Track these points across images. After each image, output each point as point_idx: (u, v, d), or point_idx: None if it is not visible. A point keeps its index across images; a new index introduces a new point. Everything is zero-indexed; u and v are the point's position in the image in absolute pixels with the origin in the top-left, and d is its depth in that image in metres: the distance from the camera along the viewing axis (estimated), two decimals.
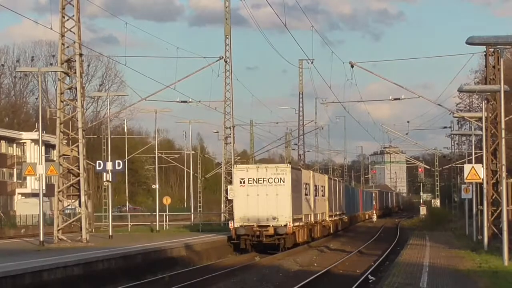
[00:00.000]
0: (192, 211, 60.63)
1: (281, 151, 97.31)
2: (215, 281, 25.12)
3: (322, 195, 48.35)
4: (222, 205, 53.79)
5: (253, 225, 35.70)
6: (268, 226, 35.86)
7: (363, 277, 25.40)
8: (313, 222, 43.44)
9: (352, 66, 32.25)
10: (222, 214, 54.28)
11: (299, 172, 40.74)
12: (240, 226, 35.85)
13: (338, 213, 55.72)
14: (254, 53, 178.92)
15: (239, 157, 72.16)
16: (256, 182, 36.44)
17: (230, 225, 37.22)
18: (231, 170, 42.97)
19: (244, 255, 36.04)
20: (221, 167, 59.62)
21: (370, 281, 24.89)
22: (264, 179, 36.54)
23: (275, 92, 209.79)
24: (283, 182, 36.42)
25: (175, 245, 32.89)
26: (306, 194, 41.77)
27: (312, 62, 53.83)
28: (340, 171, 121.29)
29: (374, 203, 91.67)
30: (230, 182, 44.91)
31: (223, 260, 33.17)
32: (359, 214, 77.87)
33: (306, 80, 75.88)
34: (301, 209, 39.22)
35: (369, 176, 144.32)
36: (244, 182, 36.62)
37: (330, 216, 50.56)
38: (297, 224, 37.53)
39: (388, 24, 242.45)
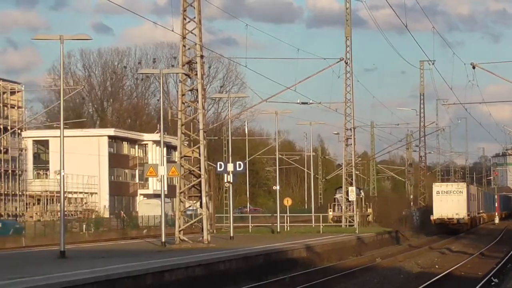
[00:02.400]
0: (313, 213, 59.53)
1: (402, 152, 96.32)
2: (336, 283, 24.62)
3: (474, 200, 66.80)
4: (343, 206, 52.91)
5: (444, 218, 58.80)
6: (453, 218, 58.84)
7: (485, 279, 24.24)
8: (473, 216, 65.01)
9: (473, 68, 33.62)
10: (343, 216, 53.08)
11: (468, 186, 63.57)
12: (437, 218, 58.98)
13: (481, 211, 74.81)
14: (372, 55, 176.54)
15: (359, 159, 71.77)
16: (446, 193, 59.74)
17: (431, 217, 59.49)
18: (352, 172, 52.86)
19: (364, 256, 35.66)
20: (341, 168, 58.92)
21: (493, 283, 23.82)
22: (450, 191, 59.82)
23: (394, 94, 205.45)
24: (461, 193, 59.62)
25: (296, 246, 32.49)
26: (470, 200, 62.54)
27: (433, 63, 54.83)
28: (461, 172, 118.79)
29: (496, 205, 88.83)
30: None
31: (344, 262, 32.64)
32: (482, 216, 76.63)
33: (427, 81, 74.50)
34: (469, 209, 60.69)
35: (491, 177, 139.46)
36: (439, 193, 59.99)
37: (478, 213, 71.52)
38: (468, 217, 59.91)
39: (508, 25, 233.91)
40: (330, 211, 56.19)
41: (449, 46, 53.43)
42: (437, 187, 60.93)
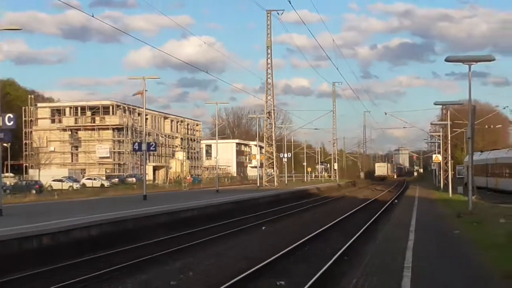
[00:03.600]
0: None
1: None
2: (329, 202, 62.09)
3: (389, 169, 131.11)
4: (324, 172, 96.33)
5: (380, 175, 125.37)
6: (382, 175, 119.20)
7: (390, 201, 60.99)
8: (389, 175, 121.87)
9: None
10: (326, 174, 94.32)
11: (388, 164, 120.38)
12: (377, 175, 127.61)
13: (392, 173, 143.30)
14: None
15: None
16: (380, 166, 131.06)
17: (374, 175, 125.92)
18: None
19: (340, 192, 74.25)
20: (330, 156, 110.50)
21: (394, 202, 60.35)
22: (381, 166, 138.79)
23: None
24: (385, 166, 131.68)
25: (313, 187, 72.40)
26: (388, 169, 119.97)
27: None
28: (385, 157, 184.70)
29: (395, 170, 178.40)
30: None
31: (331, 194, 70.78)
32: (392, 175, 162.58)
33: None
34: (387, 172, 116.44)
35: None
36: (378, 166, 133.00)
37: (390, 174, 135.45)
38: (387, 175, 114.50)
39: None
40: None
41: None
42: (378, 164, 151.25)
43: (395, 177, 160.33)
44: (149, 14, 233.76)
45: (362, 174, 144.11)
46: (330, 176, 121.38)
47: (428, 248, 18.39)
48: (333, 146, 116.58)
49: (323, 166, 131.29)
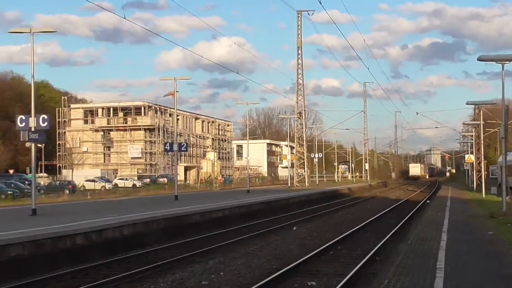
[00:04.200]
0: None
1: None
2: (360, 202, 62.14)
3: (421, 169, 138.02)
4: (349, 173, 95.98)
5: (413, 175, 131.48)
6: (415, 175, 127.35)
7: (422, 201, 60.51)
8: (422, 175, 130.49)
9: None
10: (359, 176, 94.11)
11: (420, 164, 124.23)
12: (410, 175, 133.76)
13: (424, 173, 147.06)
14: None
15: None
16: (413, 167, 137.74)
17: (408, 175, 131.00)
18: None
19: (371, 192, 73.86)
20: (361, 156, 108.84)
21: (427, 203, 60.02)
22: (414, 166, 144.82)
23: None
24: (418, 166, 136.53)
25: (343, 188, 72.06)
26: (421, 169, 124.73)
27: None
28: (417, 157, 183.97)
29: (427, 171, 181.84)
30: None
31: (363, 194, 70.54)
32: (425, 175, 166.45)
33: None
34: (421, 172, 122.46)
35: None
36: (412, 166, 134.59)
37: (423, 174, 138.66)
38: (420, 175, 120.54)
39: None
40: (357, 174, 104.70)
41: None
42: (412, 164, 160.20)
43: (427, 177, 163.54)
44: (180, 15, 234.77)
45: (393, 175, 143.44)
46: (356, 176, 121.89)
47: (461, 249, 18.22)
48: (364, 146, 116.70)
49: (346, 166, 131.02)
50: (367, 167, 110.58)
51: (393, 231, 27.57)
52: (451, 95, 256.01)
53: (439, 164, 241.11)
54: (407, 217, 35.91)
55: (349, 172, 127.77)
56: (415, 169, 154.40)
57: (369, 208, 48.27)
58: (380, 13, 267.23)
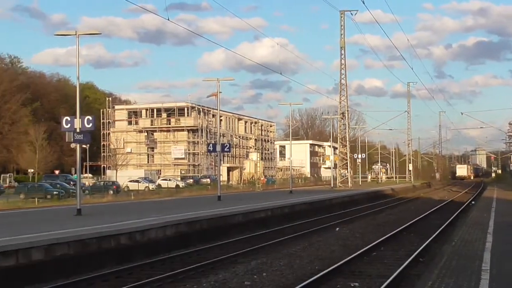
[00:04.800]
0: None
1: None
2: (404, 203, 61.52)
3: (467, 170, 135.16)
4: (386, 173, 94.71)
5: (460, 176, 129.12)
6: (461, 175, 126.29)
7: (467, 202, 59.69)
8: (468, 175, 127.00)
9: None
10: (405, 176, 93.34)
11: (467, 165, 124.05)
12: (457, 176, 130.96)
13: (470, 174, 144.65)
14: None
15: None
16: (459, 168, 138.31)
17: (455, 176, 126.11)
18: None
19: (415, 193, 73.01)
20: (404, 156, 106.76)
21: (471, 204, 59.05)
22: (461, 167, 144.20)
23: None
24: (466, 167, 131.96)
25: (387, 188, 71.39)
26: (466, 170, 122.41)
27: None
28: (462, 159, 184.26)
29: (472, 171, 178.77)
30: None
31: (407, 195, 69.81)
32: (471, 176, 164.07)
33: None
34: (467, 173, 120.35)
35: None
36: (459, 168, 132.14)
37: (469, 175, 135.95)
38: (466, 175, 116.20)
39: None
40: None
41: None
42: (459, 165, 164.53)
43: (472, 178, 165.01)
44: (222, 17, 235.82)
45: (437, 175, 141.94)
46: (392, 177, 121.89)
47: (507, 251, 17.93)
48: (408, 147, 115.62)
49: (381, 166, 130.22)
50: (410, 168, 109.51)
51: (437, 232, 27.27)
52: (497, 95, 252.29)
53: (484, 165, 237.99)
54: (451, 218, 35.48)
55: (385, 173, 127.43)
56: (462, 170, 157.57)
57: (412, 209, 47.81)
58: (424, 12, 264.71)
